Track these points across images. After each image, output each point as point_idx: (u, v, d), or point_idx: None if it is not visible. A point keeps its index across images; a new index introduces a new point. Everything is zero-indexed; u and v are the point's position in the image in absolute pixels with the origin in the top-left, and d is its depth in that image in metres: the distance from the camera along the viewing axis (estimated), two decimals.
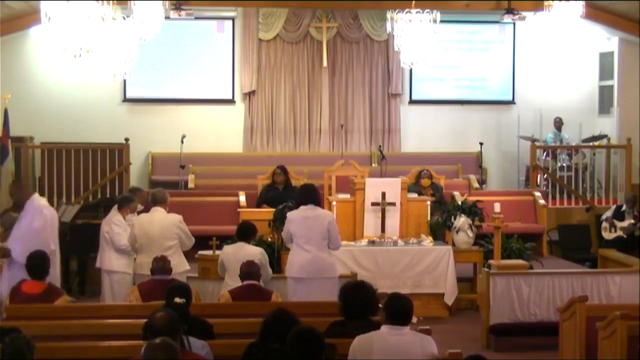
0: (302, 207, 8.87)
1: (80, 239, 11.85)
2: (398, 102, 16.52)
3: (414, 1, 13.24)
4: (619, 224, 13.20)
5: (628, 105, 15.82)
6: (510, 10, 14.80)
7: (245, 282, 7.95)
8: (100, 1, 9.85)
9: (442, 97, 16.67)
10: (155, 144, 15.80)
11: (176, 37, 15.98)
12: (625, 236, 13.07)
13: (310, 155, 15.90)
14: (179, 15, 14.34)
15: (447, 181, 13.71)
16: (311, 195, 8.92)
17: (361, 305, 6.25)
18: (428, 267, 10.68)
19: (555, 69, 16.65)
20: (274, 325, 5.52)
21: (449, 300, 10.70)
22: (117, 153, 14.60)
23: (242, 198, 13.36)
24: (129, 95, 16.04)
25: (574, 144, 15.85)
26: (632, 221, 13.15)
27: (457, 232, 11.00)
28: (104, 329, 6.74)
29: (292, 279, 8.76)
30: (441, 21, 13.24)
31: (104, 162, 14.56)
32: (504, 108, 16.71)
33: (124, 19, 11.66)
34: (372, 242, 10.86)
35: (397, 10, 13.41)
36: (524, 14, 14.94)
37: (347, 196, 11.41)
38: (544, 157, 15.39)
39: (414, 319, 5.97)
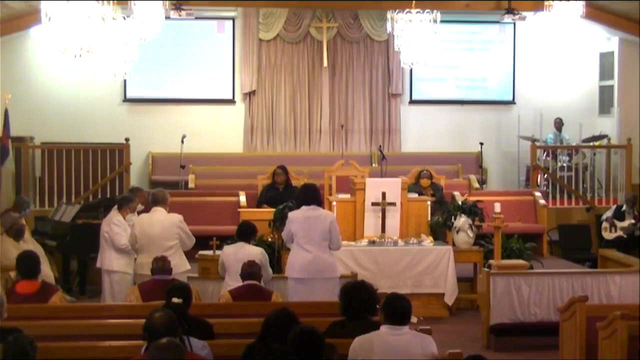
0: (303, 207, 8.85)
1: (81, 239, 11.86)
2: (398, 102, 16.52)
3: (414, 1, 13.24)
4: (619, 224, 13.20)
5: (628, 105, 15.82)
6: (510, 10, 14.80)
7: (246, 282, 7.95)
8: (100, 1, 9.84)
9: (442, 97, 16.67)
10: (156, 144, 15.80)
11: (176, 37, 15.98)
12: (625, 236, 13.08)
13: (311, 155, 15.90)
14: (179, 15, 14.34)
15: (447, 181, 13.71)
16: (313, 196, 8.91)
17: (361, 305, 6.25)
18: (428, 267, 10.68)
19: (556, 69, 16.65)
20: (274, 325, 5.52)
21: (449, 300, 10.70)
22: (117, 153, 14.59)
23: (243, 198, 13.36)
24: (129, 95, 16.05)
25: (574, 144, 15.85)
26: (632, 221, 13.15)
27: (457, 232, 11.00)
28: (104, 329, 6.74)
29: (293, 280, 8.75)
30: (441, 21, 13.24)
31: (104, 162, 14.55)
32: (504, 108, 16.70)
33: (124, 19, 11.65)
34: (372, 242, 10.86)
35: (397, 10, 13.41)
36: (524, 14, 14.93)
37: (348, 196, 11.41)
38: (544, 157, 15.39)
39: (414, 319, 5.97)
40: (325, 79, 16.26)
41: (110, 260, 9.66)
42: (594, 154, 15.72)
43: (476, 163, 15.61)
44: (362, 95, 16.39)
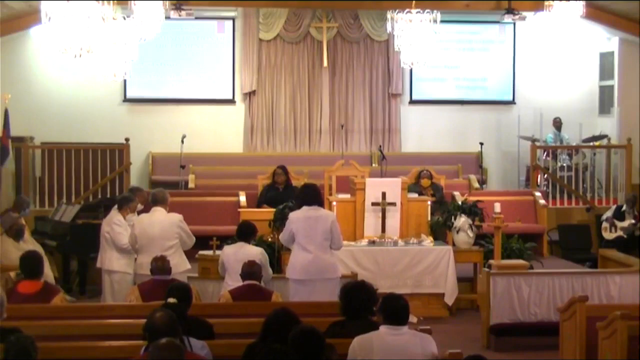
0: (304, 207, 8.83)
1: (81, 239, 11.86)
2: (398, 102, 16.52)
3: (414, 1, 13.24)
4: (619, 224, 13.20)
5: (628, 105, 15.82)
6: (510, 10, 14.80)
7: (246, 282, 7.94)
8: (100, 1, 9.84)
9: (442, 97, 16.67)
10: (156, 144, 15.80)
11: (176, 37, 15.98)
12: (625, 236, 13.07)
13: (311, 155, 15.90)
14: (179, 15, 14.33)
15: (447, 181, 13.71)
16: (314, 196, 8.89)
17: (361, 305, 6.25)
18: (428, 267, 10.68)
19: (556, 69, 16.65)
20: (275, 325, 5.52)
21: (449, 300, 10.70)
22: (117, 153, 14.59)
23: (243, 198, 13.36)
24: (129, 95, 16.04)
25: (574, 144, 15.85)
26: (633, 221, 13.15)
27: (457, 232, 11.00)
28: (104, 329, 6.73)
29: (294, 281, 8.73)
30: (441, 21, 13.24)
31: (104, 162, 14.55)
32: (504, 108, 16.71)
33: (124, 19, 11.65)
34: (372, 242, 10.86)
35: (397, 10, 13.41)
36: (524, 14, 14.93)
37: (348, 196, 11.41)
38: (544, 157, 15.39)
39: (414, 319, 5.97)
40: (325, 79, 16.26)
41: (111, 260, 9.67)
42: (594, 154, 15.72)
43: (476, 163, 15.62)
44: (362, 95, 16.39)
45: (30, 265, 7.75)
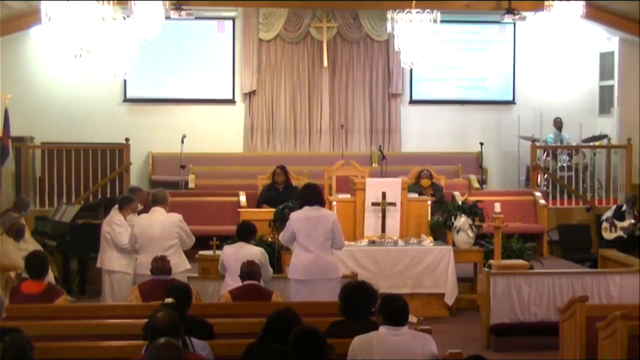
0: (306, 207, 8.82)
1: (81, 239, 11.86)
2: (398, 102, 16.52)
3: (414, 1, 13.24)
4: (619, 224, 13.19)
5: (628, 105, 15.82)
6: (510, 10, 14.80)
7: (246, 282, 7.94)
8: (100, 1, 9.84)
9: (442, 97, 16.67)
10: (156, 144, 15.81)
11: (176, 37, 15.98)
12: (625, 236, 13.07)
13: (311, 155, 15.90)
14: (179, 15, 14.33)
15: (447, 181, 13.71)
16: (315, 196, 8.88)
17: (361, 305, 6.25)
18: (428, 267, 10.68)
19: (556, 69, 16.65)
20: (276, 325, 5.51)
21: (449, 300, 10.70)
22: (118, 153, 14.58)
23: (243, 198, 13.36)
24: (129, 95, 16.05)
25: (574, 144, 15.85)
26: (633, 221, 13.14)
27: (457, 232, 11.00)
28: (104, 329, 6.73)
29: (295, 281, 8.72)
30: (441, 21, 13.25)
31: (104, 162, 14.55)
32: (504, 108, 16.71)
33: (124, 19, 11.65)
34: (372, 242, 10.85)
35: (397, 10, 13.41)
36: (524, 14, 14.92)
37: (348, 196, 11.41)
38: (544, 157, 15.39)
39: (414, 319, 5.97)
40: (325, 79, 16.26)
41: (111, 260, 9.67)
42: (594, 154, 15.72)
43: (476, 163, 15.61)
44: (362, 95, 16.39)
45: (35, 265, 7.75)
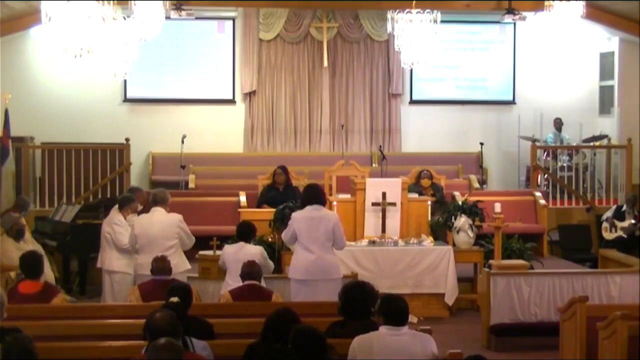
0: (307, 207, 8.83)
1: (81, 239, 11.87)
2: (398, 102, 16.52)
3: (414, 1, 13.24)
4: (620, 224, 13.19)
5: (628, 105, 15.82)
6: (510, 11, 14.80)
7: (246, 282, 7.94)
8: (100, 1, 9.84)
9: (442, 97, 16.67)
10: (156, 144, 15.81)
11: (176, 37, 15.98)
12: (625, 236, 13.06)
13: (311, 155, 15.90)
14: (180, 15, 14.34)
15: (447, 181, 13.71)
16: (317, 196, 8.89)
17: (361, 305, 6.25)
18: (428, 267, 10.67)
19: (556, 69, 16.65)
20: (276, 325, 5.51)
21: (450, 300, 10.70)
22: (118, 153, 14.58)
23: (243, 198, 13.36)
24: (129, 95, 16.05)
25: (574, 144, 15.85)
26: (633, 221, 13.14)
27: (457, 232, 10.99)
28: (105, 329, 6.74)
29: (296, 281, 8.73)
30: (441, 21, 13.25)
31: (104, 162, 14.54)
32: (504, 108, 16.71)
33: (124, 19, 11.65)
34: (372, 242, 10.85)
35: (397, 10, 13.41)
36: (525, 14, 14.92)
37: (348, 196, 11.41)
38: (544, 157, 15.38)
39: (414, 319, 5.97)
40: (325, 79, 16.26)
41: (111, 261, 9.67)
42: (594, 154, 15.72)
43: (476, 163, 15.61)
44: (362, 95, 16.39)
45: (30, 265, 7.76)
